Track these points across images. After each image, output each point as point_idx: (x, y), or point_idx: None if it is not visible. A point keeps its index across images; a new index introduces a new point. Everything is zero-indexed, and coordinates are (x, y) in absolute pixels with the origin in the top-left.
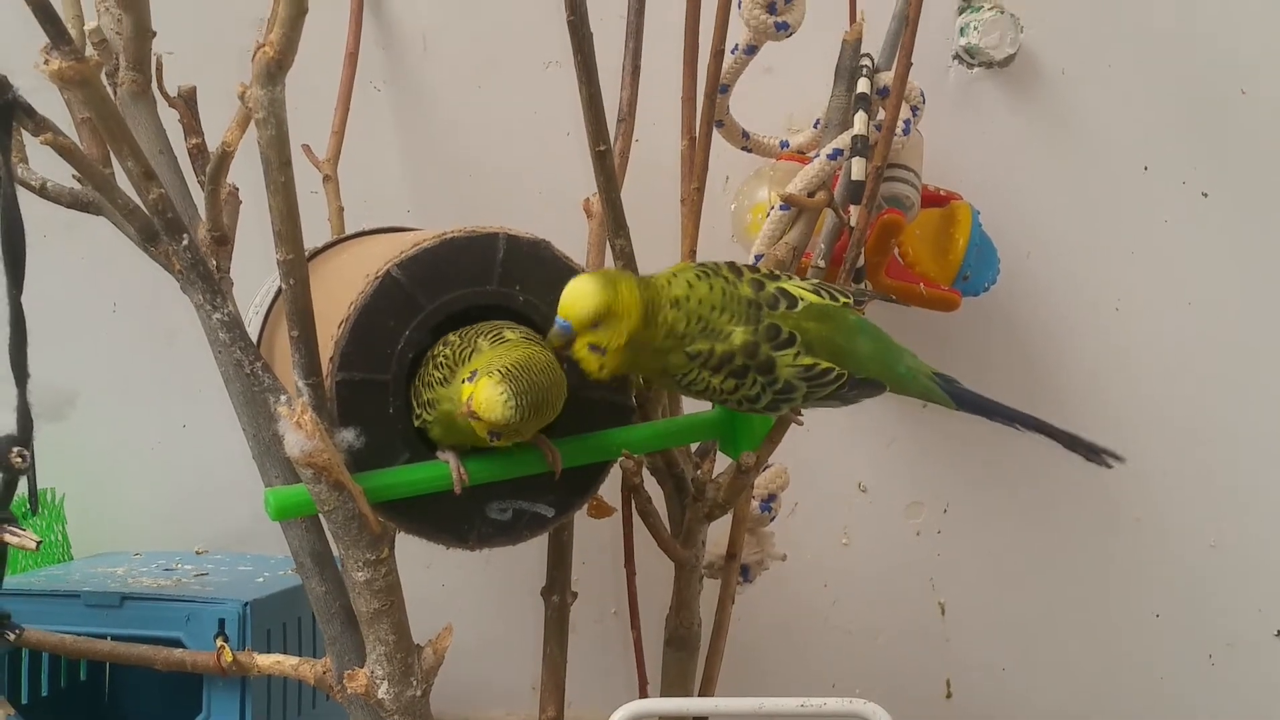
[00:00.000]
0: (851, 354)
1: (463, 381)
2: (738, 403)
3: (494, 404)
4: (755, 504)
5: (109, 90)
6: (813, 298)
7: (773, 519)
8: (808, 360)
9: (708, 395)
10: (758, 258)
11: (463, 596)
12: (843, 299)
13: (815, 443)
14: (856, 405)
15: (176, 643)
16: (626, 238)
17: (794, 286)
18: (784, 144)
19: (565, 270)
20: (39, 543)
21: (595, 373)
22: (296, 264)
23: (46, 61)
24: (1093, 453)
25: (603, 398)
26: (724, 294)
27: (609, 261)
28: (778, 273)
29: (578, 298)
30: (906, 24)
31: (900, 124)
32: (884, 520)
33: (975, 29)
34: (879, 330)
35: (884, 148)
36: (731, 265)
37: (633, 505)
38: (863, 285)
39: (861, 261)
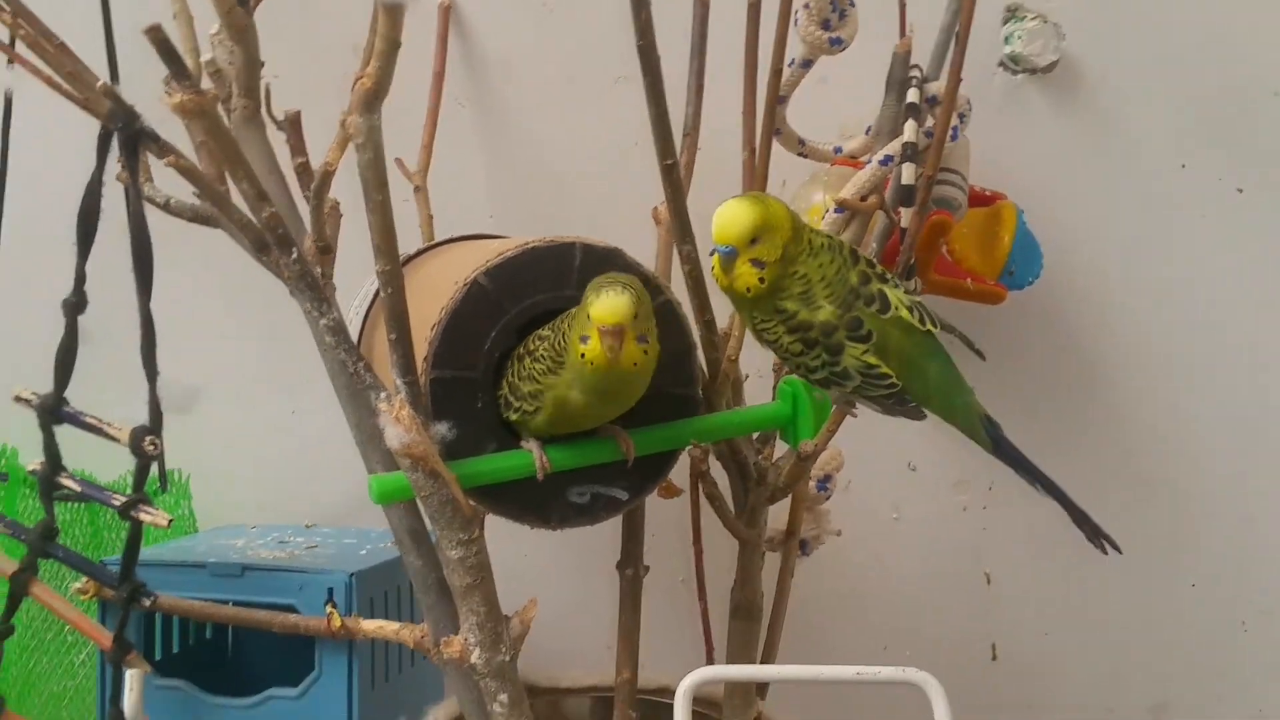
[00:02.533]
0: (918, 373)
1: (579, 340)
2: (796, 366)
3: (610, 302)
4: (812, 484)
5: (224, 118)
6: (905, 314)
7: (828, 497)
8: (874, 360)
9: (775, 348)
10: None
11: (543, 569)
12: (930, 326)
13: (867, 425)
14: None
15: (291, 608)
16: (693, 244)
17: (895, 294)
18: (838, 150)
19: (638, 276)
20: (171, 520)
21: (757, 287)
22: (393, 274)
23: (169, 94)
24: (1095, 536)
25: (672, 390)
26: (837, 271)
27: (675, 266)
28: (888, 275)
29: (734, 219)
30: (957, 39)
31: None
32: (932, 497)
33: (1019, 38)
34: (950, 362)
35: (935, 155)
36: (853, 250)
37: (700, 489)
38: (913, 283)
39: (912, 259)
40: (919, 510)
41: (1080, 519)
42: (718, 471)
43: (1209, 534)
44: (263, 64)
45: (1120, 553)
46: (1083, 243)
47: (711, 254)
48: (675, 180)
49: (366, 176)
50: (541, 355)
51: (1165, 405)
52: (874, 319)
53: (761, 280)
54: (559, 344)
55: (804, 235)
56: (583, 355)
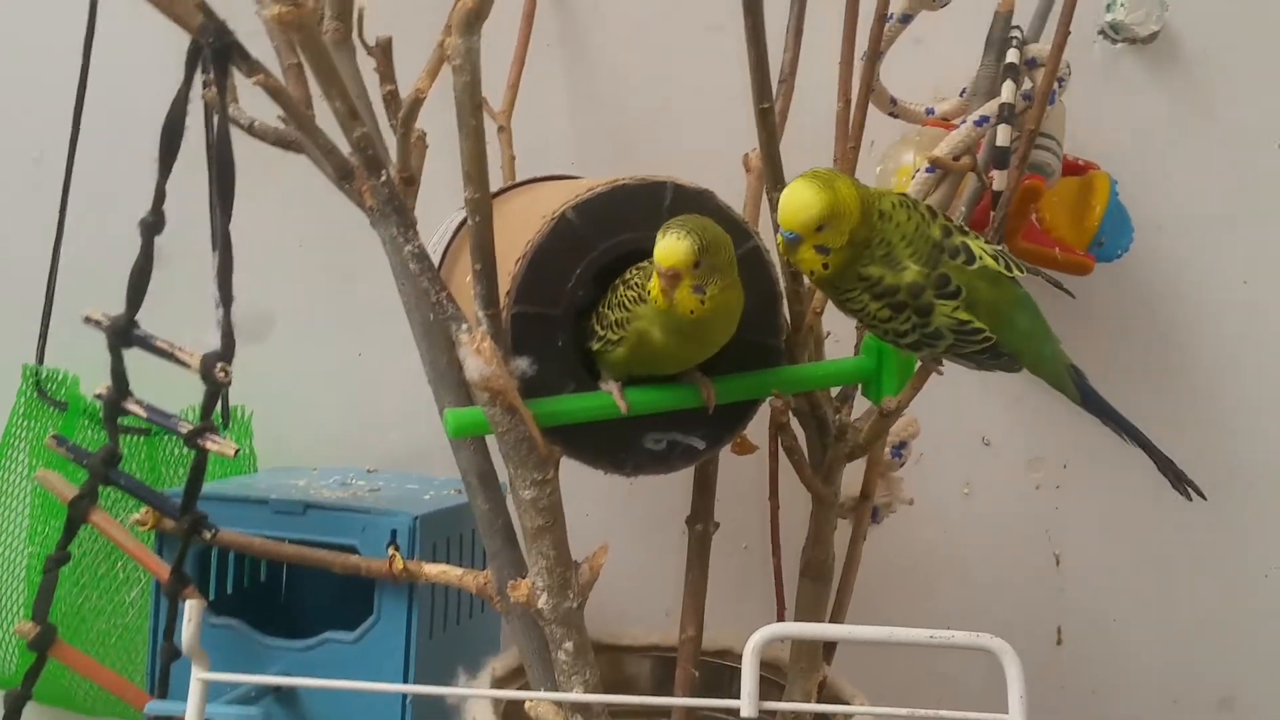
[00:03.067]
0: (1008, 324)
1: (655, 275)
2: (884, 333)
3: (668, 245)
4: (887, 450)
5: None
6: (991, 261)
7: (902, 465)
8: (965, 315)
9: (861, 317)
10: None
11: (606, 526)
12: (1016, 272)
13: (943, 396)
14: None
15: (352, 549)
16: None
17: (978, 245)
18: (930, 111)
19: (727, 220)
20: (237, 450)
21: (820, 272)
22: (482, 202)
23: (266, 6)
24: (1179, 481)
25: (756, 339)
26: (916, 228)
27: (765, 215)
28: (967, 228)
29: (801, 207)
30: (1064, 5)
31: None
32: (1005, 473)
33: (1122, 6)
34: (1038, 311)
35: (1038, 113)
36: (930, 207)
37: (779, 443)
38: (1001, 247)
39: (1004, 222)
40: (991, 486)
41: (1165, 465)
42: (795, 430)
43: None
44: None
45: (1205, 499)
46: (1174, 218)
47: (777, 233)
48: (770, 125)
49: (462, 100)
50: (635, 284)
51: (1247, 389)
52: (961, 272)
53: (826, 266)
54: (649, 276)
55: (875, 207)
56: (647, 291)
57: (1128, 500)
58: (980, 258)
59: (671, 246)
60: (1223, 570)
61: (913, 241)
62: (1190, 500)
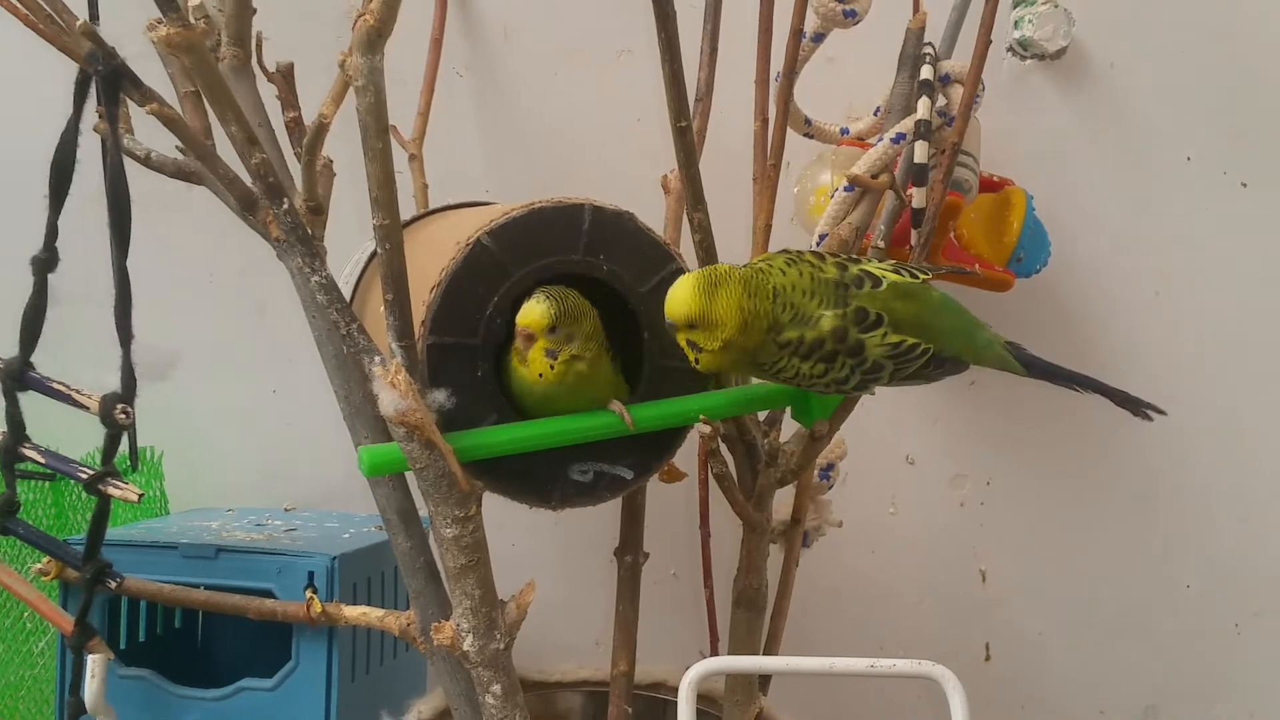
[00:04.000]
0: (937, 329)
1: None
2: (825, 386)
3: (528, 307)
4: (815, 473)
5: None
6: (895, 277)
7: (830, 487)
8: (895, 339)
9: (796, 381)
10: (822, 237)
11: (533, 557)
12: (922, 276)
13: (867, 416)
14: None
15: (268, 594)
16: (705, 211)
17: (876, 268)
18: (844, 131)
19: (648, 242)
20: (141, 495)
21: (694, 365)
22: (392, 229)
23: (154, 28)
24: (1138, 406)
25: (681, 366)
26: (812, 278)
27: (686, 236)
28: (857, 256)
29: (673, 301)
30: (981, 23)
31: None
32: (930, 491)
33: (1030, 22)
34: (958, 304)
35: (961, 127)
36: (814, 252)
37: (709, 469)
38: (894, 262)
39: (929, 239)
40: (916, 504)
41: (1123, 399)
42: (725, 456)
43: (1204, 536)
44: (254, 10)
45: (1165, 414)
46: (1088, 231)
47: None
48: (688, 143)
49: (367, 122)
50: None
51: (1162, 400)
52: (873, 299)
53: (696, 361)
54: None
55: (763, 296)
56: (531, 373)
57: (1051, 515)
58: (884, 278)
59: (529, 309)
60: (1144, 582)
61: (814, 292)
62: (1151, 420)
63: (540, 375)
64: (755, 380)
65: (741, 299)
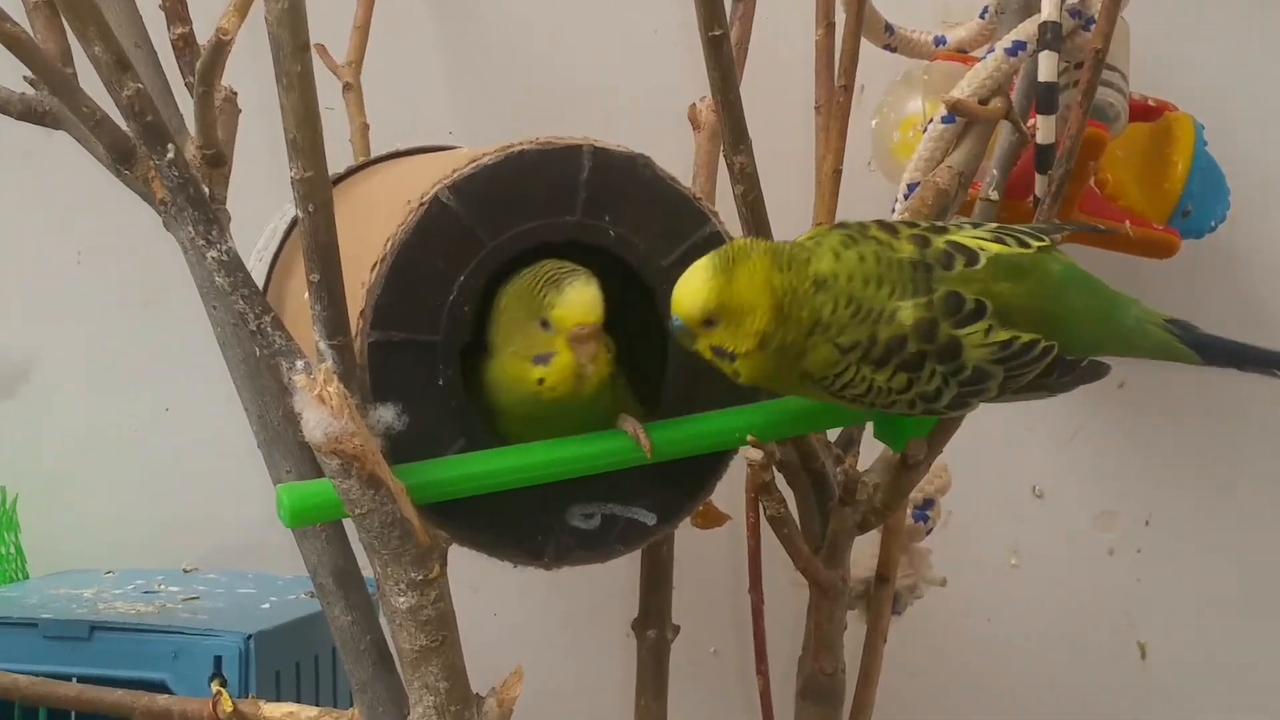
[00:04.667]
0: (1062, 317)
1: (529, 364)
2: (910, 404)
3: (580, 296)
4: (908, 512)
5: None
6: (997, 248)
7: (929, 531)
8: (1004, 335)
9: (869, 399)
10: (911, 188)
11: (522, 633)
12: (1036, 243)
13: (977, 434)
14: None
15: (160, 686)
16: (749, 153)
17: (968, 236)
18: (940, 40)
19: (670, 197)
20: None
21: (734, 379)
22: (318, 184)
23: None
24: None
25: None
26: (879, 260)
27: (724, 186)
28: (942, 223)
29: (682, 291)
30: None
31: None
32: (1065, 535)
33: None
34: (1091, 278)
35: (1106, 28)
36: (881, 223)
37: (760, 510)
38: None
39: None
40: (1046, 553)
41: None
42: (784, 491)
43: None
44: None
45: None
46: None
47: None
48: (725, 59)
49: (280, 36)
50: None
51: None
52: (969, 280)
53: (736, 374)
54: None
55: (804, 283)
56: (541, 381)
57: (1235, 565)
58: (981, 250)
59: (580, 296)
60: None
61: (884, 279)
62: None
63: (539, 382)
64: None
65: (770, 273)
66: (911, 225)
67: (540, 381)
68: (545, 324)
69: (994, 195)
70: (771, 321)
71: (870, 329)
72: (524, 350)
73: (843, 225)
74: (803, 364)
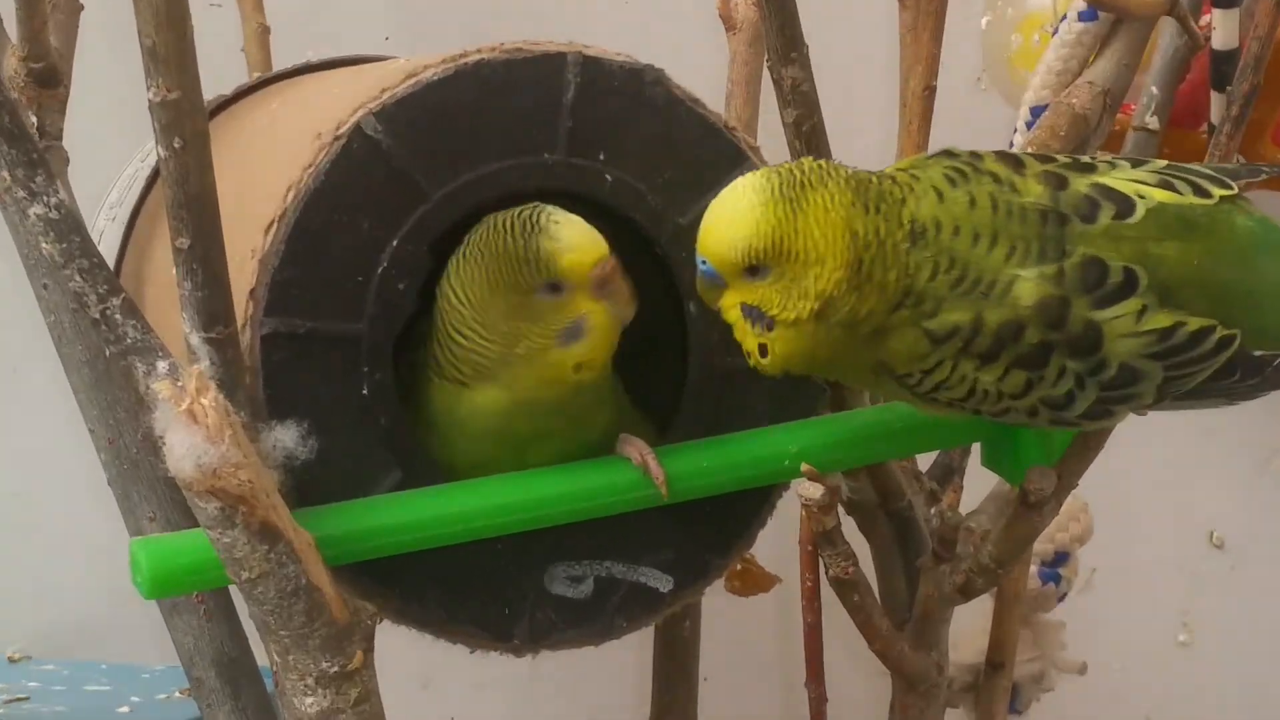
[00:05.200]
0: (1248, 297)
1: (553, 341)
2: (1030, 412)
3: (575, 233)
4: (1033, 571)
5: None
6: (1163, 195)
7: (1062, 598)
8: (1164, 319)
9: (972, 406)
10: (1035, 112)
11: None
12: (1219, 191)
13: (1129, 458)
14: None
15: None
16: (803, 64)
17: (1122, 178)
18: None
19: (693, 125)
20: None
21: (755, 358)
22: (187, 110)
23: None
24: None
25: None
26: (994, 206)
27: (767, 110)
28: (1089, 158)
29: (720, 219)
30: None
31: None
32: (1256, 598)
33: None
34: None
35: None
36: (1002, 155)
37: (820, 568)
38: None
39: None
40: (1228, 624)
41: None
42: (854, 543)
43: None
44: None
45: None
46: None
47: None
48: None
49: None
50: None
51: None
52: (1118, 240)
53: (765, 352)
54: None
55: (896, 230)
56: (580, 367)
57: None
58: (1141, 196)
59: (580, 233)
60: None
61: (999, 233)
62: None
63: (578, 368)
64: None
65: (851, 212)
66: (1045, 159)
67: (579, 368)
68: (555, 287)
69: (1153, 122)
70: (844, 282)
71: (975, 308)
72: (538, 339)
73: (949, 153)
74: (881, 351)
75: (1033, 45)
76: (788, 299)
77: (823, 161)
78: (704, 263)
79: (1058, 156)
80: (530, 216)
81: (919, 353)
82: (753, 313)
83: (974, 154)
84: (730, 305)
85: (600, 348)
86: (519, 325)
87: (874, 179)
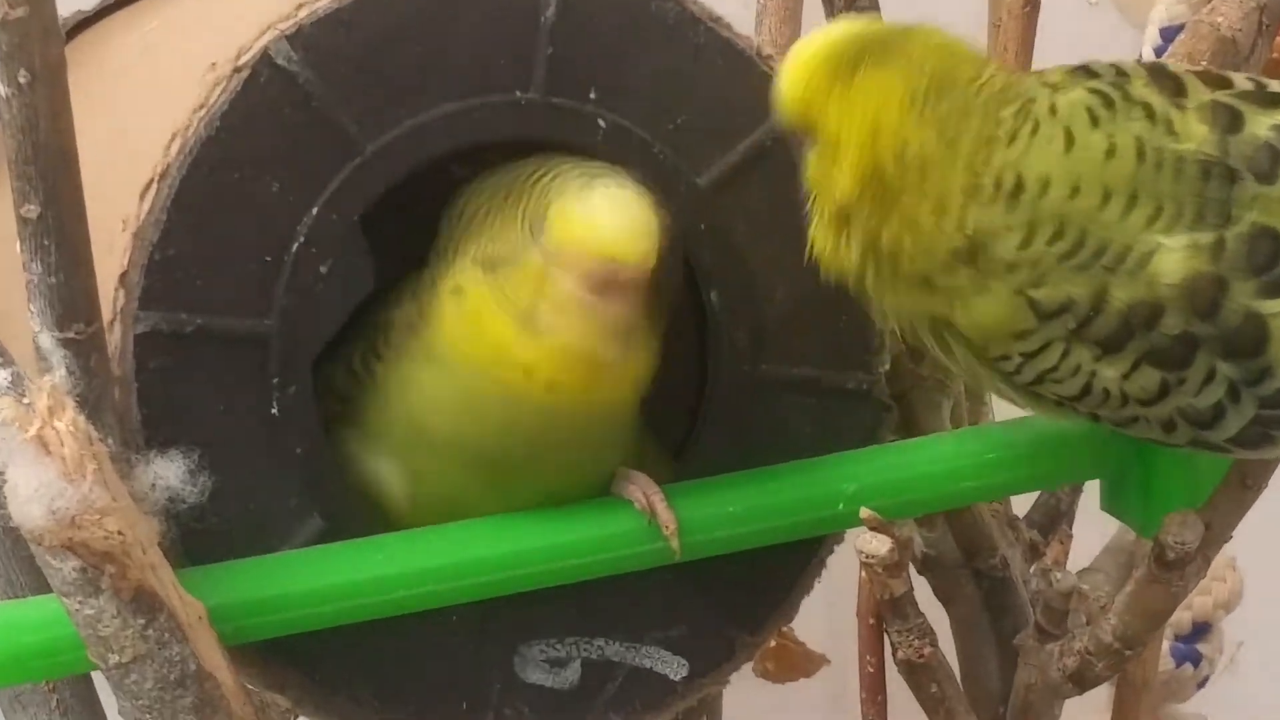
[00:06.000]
0: None
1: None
2: (1166, 426)
3: (605, 207)
4: (1165, 647)
5: None
6: None
7: (1202, 684)
8: None
9: (1088, 406)
10: (1167, 35)
11: None
12: None
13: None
14: None
15: None
16: None
17: None
18: None
19: (715, 54)
20: None
21: (828, 255)
22: (36, 30)
23: None
24: None
25: (805, 376)
26: (1140, 156)
27: (813, 22)
28: (1274, 84)
29: (789, 65)
30: None
31: None
32: None
33: None
34: None
35: None
36: (1158, 72)
37: (886, 647)
38: None
39: None
40: None
41: None
42: (927, 609)
43: None
44: None
45: None
46: None
47: None
48: None
49: None
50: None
51: None
52: None
53: (839, 242)
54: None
55: (978, 165)
56: (530, 371)
57: None
58: None
59: (618, 207)
60: None
61: (1141, 190)
62: None
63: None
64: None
65: (900, 118)
66: (1217, 81)
67: (528, 371)
68: (545, 249)
69: None
70: (857, 192)
71: (1098, 281)
72: (497, 281)
73: (1090, 72)
74: (953, 312)
75: None
76: (818, 182)
77: (926, 29)
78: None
79: (1234, 79)
80: (581, 168)
81: (1019, 328)
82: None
83: (1120, 72)
84: (815, 168)
85: (564, 355)
86: (477, 243)
87: (972, 93)
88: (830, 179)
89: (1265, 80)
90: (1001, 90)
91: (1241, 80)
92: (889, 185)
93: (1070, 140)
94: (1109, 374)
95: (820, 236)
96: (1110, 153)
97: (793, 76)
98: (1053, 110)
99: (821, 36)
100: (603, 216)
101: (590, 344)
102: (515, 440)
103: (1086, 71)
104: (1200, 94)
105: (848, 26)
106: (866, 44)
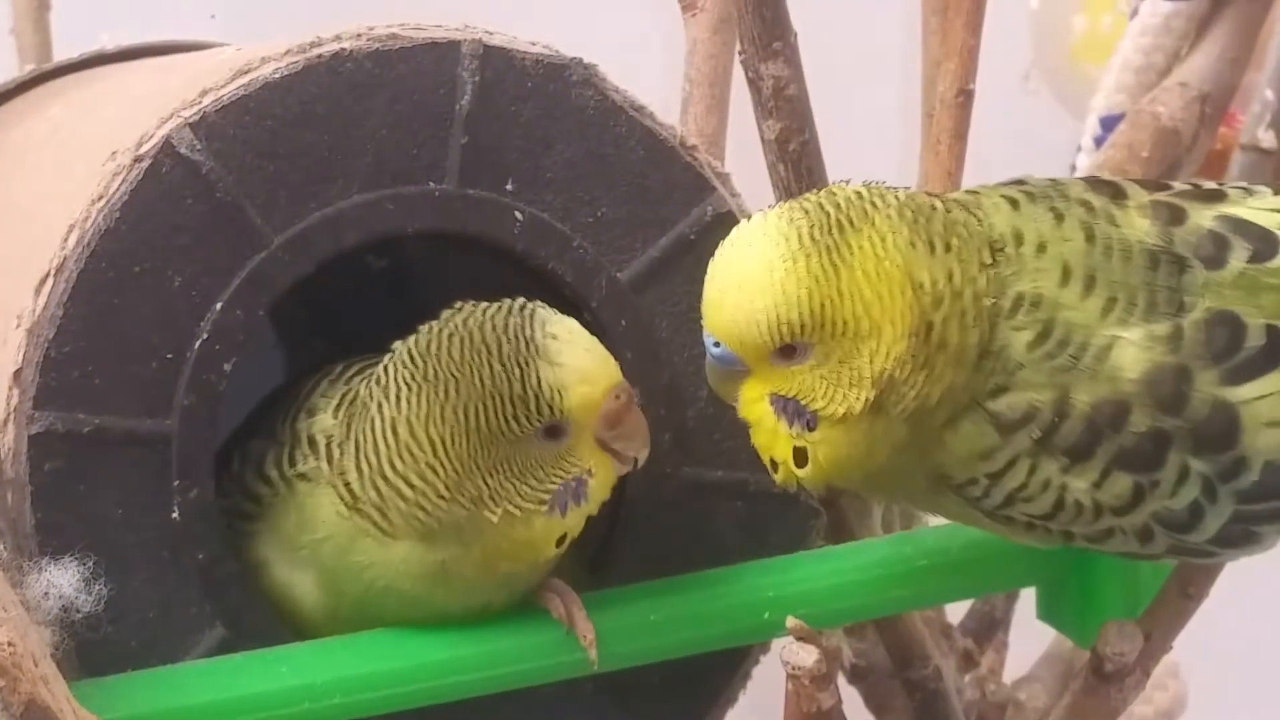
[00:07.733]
0: None
1: (536, 507)
2: (1143, 536)
3: (585, 359)
4: None
5: None
6: None
7: None
8: None
9: (1060, 524)
10: (1106, 124)
11: None
12: None
13: (1234, 602)
14: None
15: None
16: (790, 58)
17: (1260, 209)
18: None
19: (637, 143)
20: None
21: (788, 469)
22: None
23: None
24: None
25: (731, 479)
26: (1089, 238)
27: (743, 119)
28: (1212, 184)
29: (734, 284)
30: None
31: None
32: None
33: None
34: None
35: None
36: (1092, 182)
37: None
38: None
39: None
40: None
41: None
42: (859, 714)
43: None
44: None
45: None
46: None
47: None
48: None
49: None
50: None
51: None
52: (1253, 291)
53: (801, 460)
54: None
55: (964, 256)
56: (563, 540)
57: None
58: None
59: (592, 359)
60: None
61: (1095, 277)
62: None
63: (561, 540)
64: (933, 519)
65: (912, 259)
66: (1153, 186)
67: (562, 540)
68: (555, 430)
69: (1268, 139)
70: (910, 356)
71: (1059, 383)
72: (524, 502)
73: (1019, 181)
74: (935, 457)
75: (1102, 31)
76: (836, 386)
77: (862, 188)
78: (716, 345)
79: (1172, 184)
80: (520, 328)
81: (981, 448)
82: (787, 407)
83: (1055, 182)
84: (754, 399)
85: (593, 512)
86: (501, 483)
87: (936, 204)
88: (856, 368)
89: (1202, 182)
90: (951, 198)
91: (1178, 184)
92: (933, 331)
93: (1014, 205)
94: (1079, 485)
95: (829, 447)
96: (1058, 220)
97: (780, 286)
98: (985, 203)
99: (767, 234)
100: (585, 360)
101: (616, 475)
102: (438, 588)
103: (1016, 182)
104: (1139, 195)
105: (773, 218)
106: (816, 218)
